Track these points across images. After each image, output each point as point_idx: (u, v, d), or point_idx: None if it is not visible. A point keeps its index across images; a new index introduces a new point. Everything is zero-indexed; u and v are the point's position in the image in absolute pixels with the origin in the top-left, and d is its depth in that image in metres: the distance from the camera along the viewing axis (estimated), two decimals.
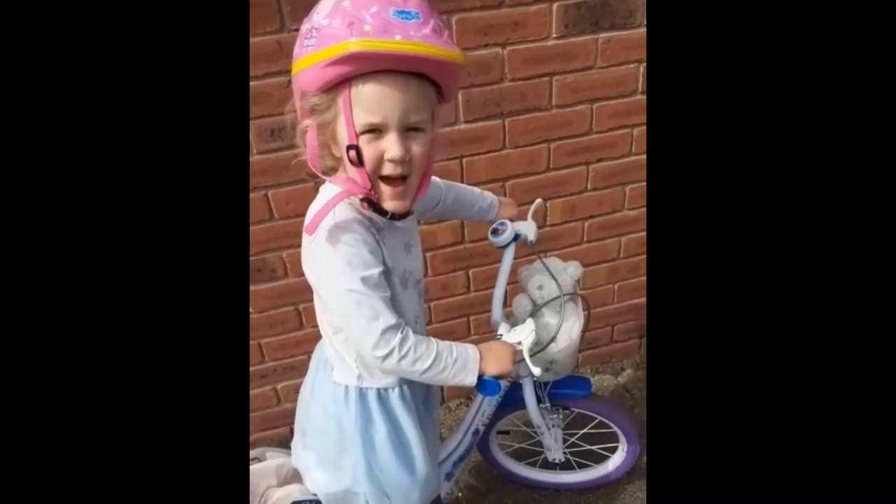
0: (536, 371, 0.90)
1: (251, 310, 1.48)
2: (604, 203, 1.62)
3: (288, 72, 1.17)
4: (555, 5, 1.30)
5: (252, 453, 1.20)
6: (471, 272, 1.63)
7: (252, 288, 1.45)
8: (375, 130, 0.73)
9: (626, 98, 1.47)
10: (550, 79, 1.39)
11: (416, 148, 0.75)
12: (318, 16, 0.69)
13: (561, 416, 1.28)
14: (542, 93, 1.40)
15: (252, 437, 1.69)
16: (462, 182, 1.43)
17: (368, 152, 0.73)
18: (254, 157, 1.29)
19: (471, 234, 1.55)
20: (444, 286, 1.62)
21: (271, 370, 1.59)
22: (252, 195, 1.33)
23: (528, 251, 1.16)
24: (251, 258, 1.41)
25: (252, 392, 1.61)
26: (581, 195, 1.59)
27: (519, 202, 1.31)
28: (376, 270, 0.78)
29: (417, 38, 0.66)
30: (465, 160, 1.43)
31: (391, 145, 0.73)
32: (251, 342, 1.53)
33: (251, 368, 1.57)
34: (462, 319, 1.70)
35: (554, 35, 1.33)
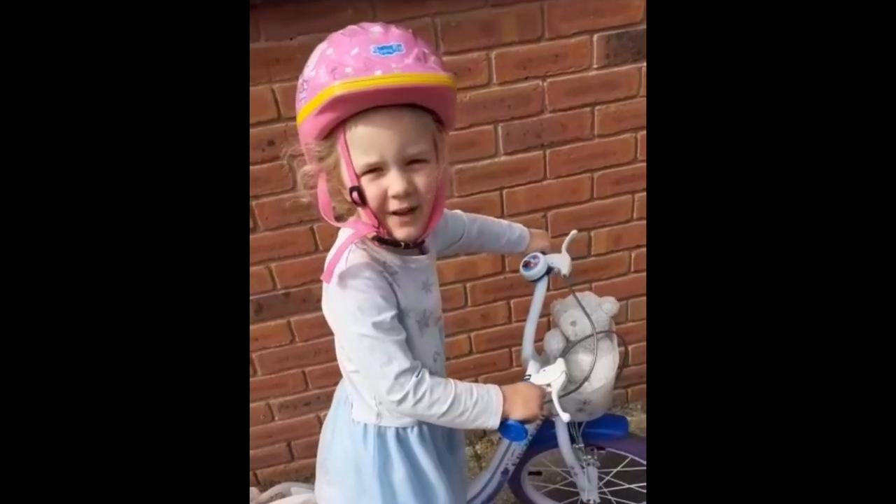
0: (566, 417, 0.86)
1: (297, 338, 1.52)
2: None
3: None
4: (595, 36, 1.29)
5: (277, 488, 1.21)
6: (512, 302, 1.61)
7: (297, 317, 1.49)
8: (376, 170, 0.73)
9: None
10: (592, 109, 1.37)
11: (420, 179, 0.74)
12: (307, 69, 0.71)
13: (595, 456, 1.23)
14: (584, 123, 1.39)
15: (297, 465, 1.72)
16: (502, 213, 1.44)
17: (371, 191, 0.73)
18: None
19: (511, 264, 1.54)
20: (485, 316, 1.61)
21: (314, 398, 1.62)
22: (300, 228, 1.38)
23: (563, 284, 1.13)
24: (296, 289, 1.45)
25: (295, 420, 1.65)
26: (627, 224, 1.55)
27: (560, 232, 1.30)
28: (388, 315, 0.77)
29: (398, 70, 0.66)
30: (504, 191, 1.43)
31: (393, 181, 0.72)
32: (296, 370, 1.57)
33: (294, 396, 1.61)
34: (504, 350, 1.69)
35: (595, 65, 1.32)
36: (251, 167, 1.29)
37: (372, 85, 0.66)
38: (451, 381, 0.83)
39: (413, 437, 0.91)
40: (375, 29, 0.69)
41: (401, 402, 0.78)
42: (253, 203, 1.33)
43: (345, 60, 0.67)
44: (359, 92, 0.66)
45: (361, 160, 0.72)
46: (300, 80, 0.72)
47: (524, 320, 1.61)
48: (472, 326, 1.62)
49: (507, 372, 1.71)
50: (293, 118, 1.24)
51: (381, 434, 0.91)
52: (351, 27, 0.71)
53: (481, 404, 0.82)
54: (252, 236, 1.37)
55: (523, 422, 0.84)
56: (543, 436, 1.16)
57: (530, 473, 1.38)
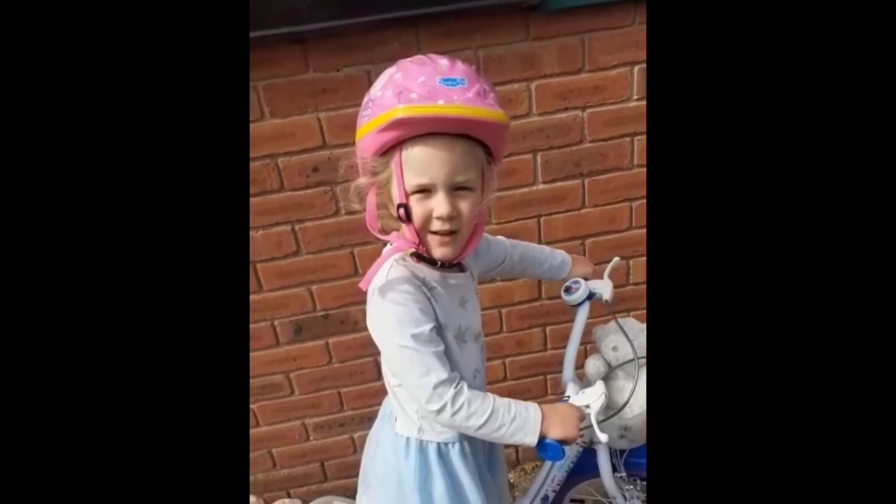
0: (604, 438, 0.85)
1: (334, 359, 1.55)
2: None
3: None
4: (636, 68, 1.30)
5: (319, 501, 1.23)
6: (548, 329, 1.60)
7: (335, 339, 1.52)
8: (425, 191, 0.77)
9: None
10: (632, 139, 1.38)
11: (464, 205, 0.78)
12: (375, 89, 0.76)
13: (639, 487, 1.20)
14: (623, 153, 1.39)
15: (330, 485, 1.74)
16: (540, 240, 1.45)
17: (417, 210, 0.78)
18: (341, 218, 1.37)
19: (548, 291, 1.54)
20: (520, 343, 1.61)
21: (349, 419, 1.64)
22: (341, 252, 1.41)
23: (606, 310, 1.13)
24: (335, 311, 1.48)
25: (330, 440, 1.67)
26: None
27: (598, 260, 1.30)
28: (427, 327, 0.80)
29: (459, 102, 0.71)
30: (542, 219, 1.44)
31: (439, 204, 0.77)
32: (332, 391, 1.60)
33: (329, 417, 1.63)
34: (539, 377, 1.68)
35: (635, 97, 1.33)
36: (295, 192, 1.33)
37: (433, 112, 0.71)
38: (490, 395, 0.84)
39: (454, 452, 0.93)
40: (443, 62, 0.74)
41: (439, 412, 0.80)
42: (297, 227, 1.37)
43: (411, 86, 0.72)
44: (420, 117, 0.71)
45: (413, 180, 0.76)
46: (365, 99, 0.77)
47: (560, 348, 1.61)
48: (506, 352, 1.62)
49: (541, 399, 1.69)
50: (337, 146, 1.30)
51: (422, 448, 0.92)
52: (419, 57, 0.76)
53: (519, 420, 0.82)
54: (294, 259, 1.41)
55: (561, 442, 0.84)
56: (585, 464, 1.15)
57: (572, 501, 1.36)
